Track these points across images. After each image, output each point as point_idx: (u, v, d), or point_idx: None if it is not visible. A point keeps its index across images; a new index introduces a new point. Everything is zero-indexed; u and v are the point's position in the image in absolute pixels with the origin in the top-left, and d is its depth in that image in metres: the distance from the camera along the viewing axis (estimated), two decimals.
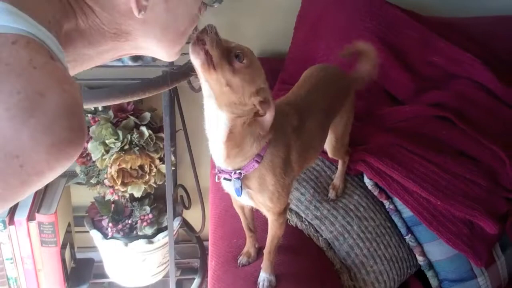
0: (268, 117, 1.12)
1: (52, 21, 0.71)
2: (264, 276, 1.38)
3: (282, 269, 1.42)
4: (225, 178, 1.25)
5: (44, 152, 0.59)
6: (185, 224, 2.42)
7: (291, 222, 1.61)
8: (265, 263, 1.39)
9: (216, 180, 1.28)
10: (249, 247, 1.49)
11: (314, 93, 1.41)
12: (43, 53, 0.63)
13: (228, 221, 1.63)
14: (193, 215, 2.42)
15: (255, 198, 1.26)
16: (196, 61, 1.06)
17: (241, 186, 1.23)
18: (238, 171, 1.21)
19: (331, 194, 1.67)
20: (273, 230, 1.34)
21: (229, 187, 1.27)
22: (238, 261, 1.48)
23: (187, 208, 2.27)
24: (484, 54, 1.96)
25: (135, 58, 1.55)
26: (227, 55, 1.07)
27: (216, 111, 1.14)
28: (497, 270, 1.73)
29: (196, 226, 2.41)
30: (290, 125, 1.29)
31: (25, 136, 0.57)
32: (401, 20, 1.99)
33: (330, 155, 1.59)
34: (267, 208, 1.28)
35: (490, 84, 1.90)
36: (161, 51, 0.90)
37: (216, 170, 1.26)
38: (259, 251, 1.49)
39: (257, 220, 1.49)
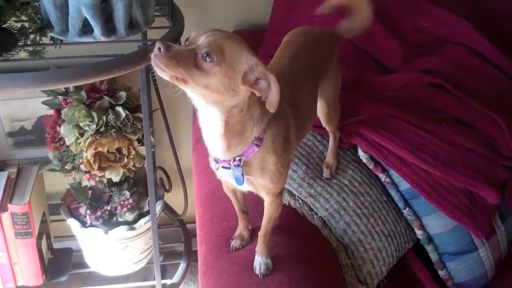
0: (274, 90, 1.01)
1: None
2: (260, 260, 1.30)
3: (277, 251, 1.36)
4: (223, 167, 1.16)
5: None
6: (166, 207, 2.33)
7: (283, 201, 1.53)
8: (260, 246, 1.31)
9: (215, 171, 1.21)
10: (242, 229, 1.41)
11: (298, 61, 1.32)
12: None
13: (217, 203, 1.55)
14: (173, 198, 2.34)
15: (255, 182, 1.18)
16: (163, 76, 0.97)
17: (242, 174, 1.15)
18: (237, 158, 1.13)
19: (326, 173, 1.60)
20: (270, 212, 1.26)
21: (227, 175, 1.19)
22: (231, 245, 1.40)
23: (167, 191, 2.18)
24: (476, 19, 1.88)
25: (108, 33, 1.42)
26: (194, 60, 0.97)
27: (206, 107, 1.05)
28: (497, 240, 1.69)
29: (178, 209, 2.32)
30: (284, 99, 1.19)
31: None
32: None
33: (324, 124, 1.52)
34: (267, 190, 1.20)
35: (483, 49, 1.83)
36: None
37: (213, 160, 1.18)
38: (253, 233, 1.41)
39: (249, 200, 1.42)
